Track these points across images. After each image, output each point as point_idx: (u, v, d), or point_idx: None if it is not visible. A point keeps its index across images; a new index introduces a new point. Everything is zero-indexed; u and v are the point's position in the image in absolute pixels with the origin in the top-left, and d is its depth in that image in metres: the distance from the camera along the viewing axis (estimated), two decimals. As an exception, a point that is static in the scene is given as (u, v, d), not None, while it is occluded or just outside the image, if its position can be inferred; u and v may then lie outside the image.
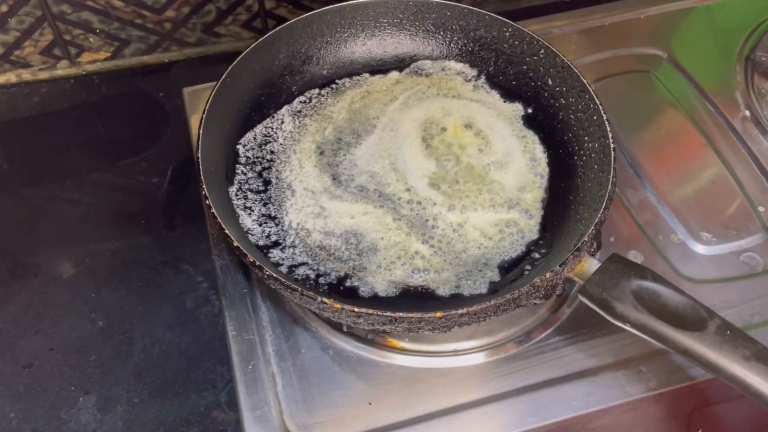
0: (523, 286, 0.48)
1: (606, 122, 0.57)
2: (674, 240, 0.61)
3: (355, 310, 0.47)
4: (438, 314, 0.46)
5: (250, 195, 0.58)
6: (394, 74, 0.68)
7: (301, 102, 0.65)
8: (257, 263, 0.49)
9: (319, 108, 0.65)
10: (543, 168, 0.61)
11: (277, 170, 0.60)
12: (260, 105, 0.64)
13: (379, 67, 0.68)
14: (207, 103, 0.58)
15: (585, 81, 0.60)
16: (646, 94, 0.72)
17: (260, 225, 0.57)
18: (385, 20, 0.68)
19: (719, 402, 0.41)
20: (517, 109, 0.65)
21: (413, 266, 0.55)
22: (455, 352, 0.55)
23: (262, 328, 0.56)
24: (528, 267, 0.54)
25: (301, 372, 0.54)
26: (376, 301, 0.53)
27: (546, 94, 0.64)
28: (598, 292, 0.47)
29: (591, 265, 0.49)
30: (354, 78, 0.68)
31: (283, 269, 0.54)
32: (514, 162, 0.61)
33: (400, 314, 0.46)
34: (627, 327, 0.46)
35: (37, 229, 0.70)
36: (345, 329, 0.55)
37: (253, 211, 0.57)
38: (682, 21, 0.79)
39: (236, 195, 0.58)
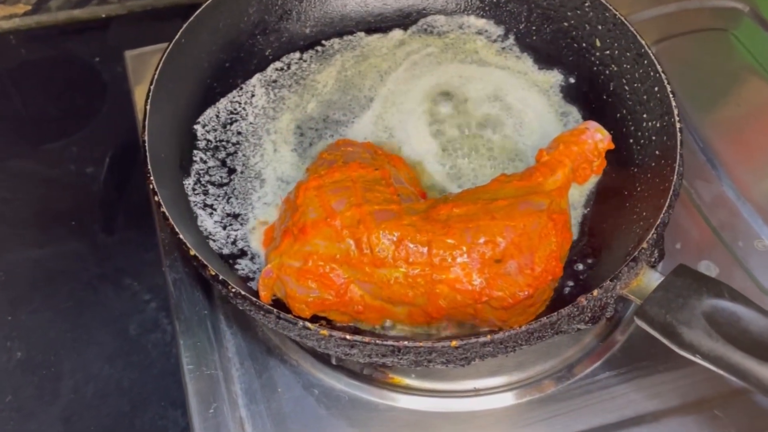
0: (563, 307, 0.48)
1: (670, 95, 0.57)
2: (758, 247, 0.62)
3: (348, 338, 0.47)
4: (454, 343, 0.46)
5: (211, 189, 0.58)
6: (396, 33, 0.68)
7: (276, 69, 0.66)
8: (220, 277, 0.49)
9: (301, 77, 0.65)
10: (589, 154, 0.61)
11: (244, 155, 0.60)
12: (224, 73, 0.64)
13: (377, 25, 0.69)
14: (156, 70, 0.58)
15: (643, 42, 0.60)
16: (723, 59, 0.73)
17: (224, 228, 0.57)
18: (386, -37, 0.68)
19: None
20: (555, 78, 0.65)
21: (422, 281, 0.55)
22: (476, 392, 0.55)
23: (227, 360, 0.56)
24: (569, 282, 0.54)
25: (278, 417, 0.54)
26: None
27: (593, 59, 0.64)
28: (660, 314, 0.47)
29: (651, 279, 0.49)
30: (345, 38, 0.68)
31: (254, 285, 0.54)
32: (551, 146, 0.61)
33: (405, 343, 0.46)
34: (697, 359, 0.46)
35: (-62, 233, 0.71)
36: (334, 362, 0.55)
37: (215, 210, 0.57)
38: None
39: (194, 189, 0.58)
